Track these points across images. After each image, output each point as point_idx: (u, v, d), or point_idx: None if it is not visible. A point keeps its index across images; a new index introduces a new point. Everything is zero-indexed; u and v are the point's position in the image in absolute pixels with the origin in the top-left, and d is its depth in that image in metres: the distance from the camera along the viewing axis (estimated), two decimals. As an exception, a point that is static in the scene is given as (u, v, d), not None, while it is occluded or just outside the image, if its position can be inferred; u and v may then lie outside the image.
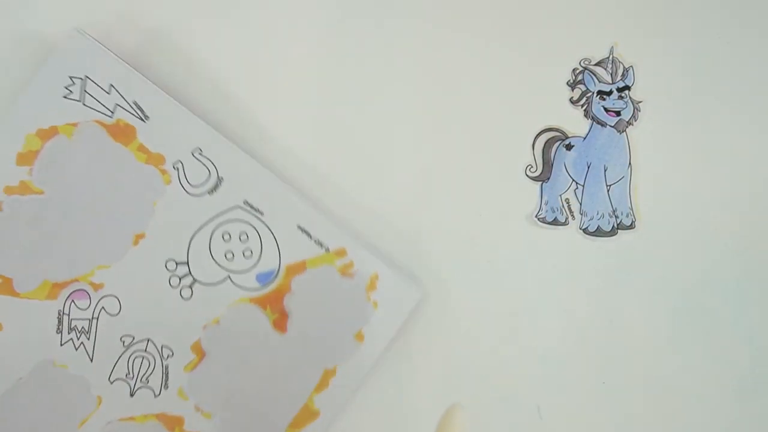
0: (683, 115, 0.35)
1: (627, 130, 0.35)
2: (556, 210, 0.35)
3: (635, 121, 0.35)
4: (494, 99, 0.35)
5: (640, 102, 0.35)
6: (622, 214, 0.35)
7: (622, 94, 0.35)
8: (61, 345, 0.33)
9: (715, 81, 0.35)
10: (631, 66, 0.35)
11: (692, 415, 0.35)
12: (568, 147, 0.35)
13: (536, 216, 0.35)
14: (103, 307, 0.33)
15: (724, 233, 0.35)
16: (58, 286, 0.33)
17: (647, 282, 0.35)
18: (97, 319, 0.33)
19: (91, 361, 0.33)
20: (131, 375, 0.33)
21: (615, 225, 0.35)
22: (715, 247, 0.35)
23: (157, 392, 0.33)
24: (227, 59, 0.34)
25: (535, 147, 0.35)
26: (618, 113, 0.35)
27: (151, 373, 0.33)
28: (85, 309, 0.33)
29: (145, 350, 0.33)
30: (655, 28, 0.35)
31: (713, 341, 0.35)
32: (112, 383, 0.33)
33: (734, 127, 0.35)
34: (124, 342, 0.33)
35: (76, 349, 0.33)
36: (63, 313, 0.33)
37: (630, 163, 0.35)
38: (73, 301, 0.33)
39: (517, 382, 0.35)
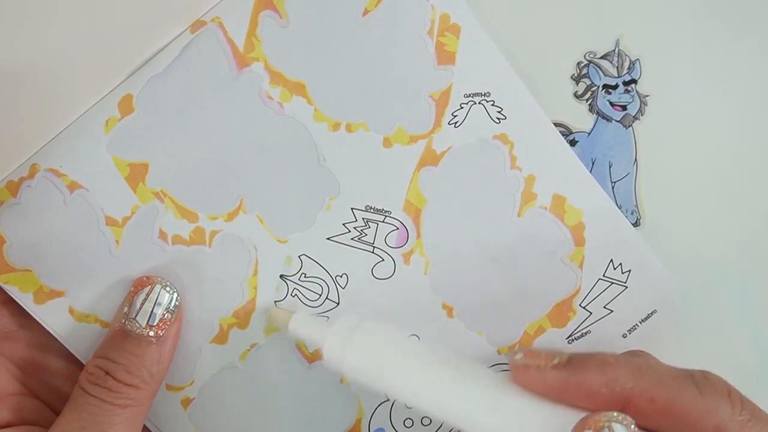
0: (691, 109, 0.34)
1: (633, 125, 0.34)
2: (559, 207, 0.34)
3: (642, 115, 0.34)
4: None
5: (647, 96, 0.34)
6: (626, 211, 0.34)
7: (629, 88, 0.34)
8: None
9: (724, 74, 0.34)
10: (638, 59, 0.34)
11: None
12: (573, 142, 0.34)
13: (539, 213, 0.34)
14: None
15: (731, 231, 0.34)
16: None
17: (651, 281, 0.35)
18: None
19: None
20: None
21: (619, 222, 0.34)
22: (721, 245, 0.35)
23: None
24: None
25: (538, 142, 0.34)
26: (624, 107, 0.34)
27: None
28: None
29: None
30: (663, 20, 0.34)
31: (719, 340, 0.35)
32: None
33: (743, 122, 0.34)
34: None
35: None
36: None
37: (636, 159, 0.34)
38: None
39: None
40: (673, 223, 0.34)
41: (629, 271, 0.33)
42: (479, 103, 0.32)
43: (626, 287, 0.33)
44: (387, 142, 0.31)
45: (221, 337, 0.31)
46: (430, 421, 0.33)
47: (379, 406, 0.32)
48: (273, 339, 0.32)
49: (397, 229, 0.32)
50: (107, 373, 0.28)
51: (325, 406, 0.32)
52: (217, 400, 0.32)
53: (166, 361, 0.29)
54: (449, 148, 0.32)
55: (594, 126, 0.34)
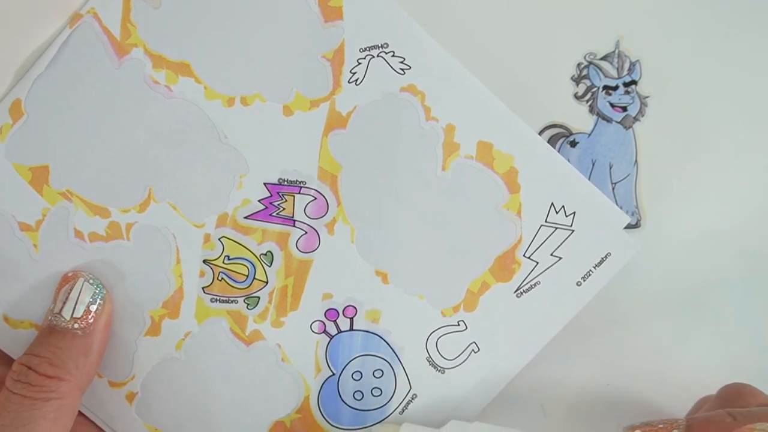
0: (691, 110, 0.34)
1: (633, 126, 0.34)
2: (560, 209, 0.34)
3: (642, 116, 0.34)
4: (496, 95, 0.34)
5: (647, 97, 0.34)
6: (627, 212, 0.34)
7: (629, 89, 0.34)
8: None
9: (723, 75, 0.34)
10: (638, 60, 0.34)
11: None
12: (573, 144, 0.34)
13: (540, 215, 0.34)
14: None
15: (730, 232, 0.34)
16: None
17: (652, 282, 0.34)
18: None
19: None
20: None
21: (620, 224, 0.34)
22: (721, 247, 0.34)
23: None
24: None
25: (538, 144, 0.34)
26: (624, 109, 0.34)
27: None
28: None
29: None
30: (663, 21, 0.34)
31: (719, 341, 0.34)
32: None
33: (743, 123, 0.34)
34: None
35: None
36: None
37: (636, 161, 0.34)
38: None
39: (521, 381, 0.34)
40: (673, 224, 0.34)
41: (573, 213, 0.31)
42: (378, 56, 0.30)
43: (573, 231, 0.31)
44: (287, 110, 0.31)
45: (154, 329, 0.31)
46: (381, 391, 0.32)
47: (326, 380, 0.32)
48: (206, 325, 0.32)
49: (315, 199, 0.31)
50: (30, 368, 0.28)
51: (270, 387, 0.32)
52: (160, 391, 0.32)
53: (95, 353, 0.29)
54: (355, 108, 0.31)
55: (594, 127, 0.34)
